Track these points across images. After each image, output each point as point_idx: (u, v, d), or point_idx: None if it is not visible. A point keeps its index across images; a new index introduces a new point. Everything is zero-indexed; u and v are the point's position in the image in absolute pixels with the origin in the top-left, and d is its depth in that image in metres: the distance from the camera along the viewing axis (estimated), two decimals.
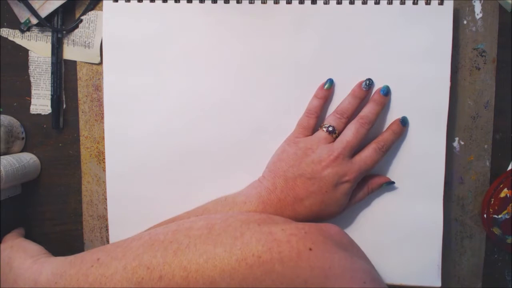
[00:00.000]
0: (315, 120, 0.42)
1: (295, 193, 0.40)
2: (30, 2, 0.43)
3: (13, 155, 0.45)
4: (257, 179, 0.42)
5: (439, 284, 0.44)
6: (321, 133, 0.41)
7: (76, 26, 0.46)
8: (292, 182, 0.40)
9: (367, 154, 0.41)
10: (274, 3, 0.43)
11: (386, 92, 0.42)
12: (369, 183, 0.43)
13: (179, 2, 0.43)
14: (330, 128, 0.41)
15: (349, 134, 0.41)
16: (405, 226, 0.44)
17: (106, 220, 0.47)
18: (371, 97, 0.43)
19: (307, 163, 0.40)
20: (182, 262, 0.31)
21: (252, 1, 0.43)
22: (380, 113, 0.42)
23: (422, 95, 0.43)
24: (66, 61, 0.47)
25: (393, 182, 0.44)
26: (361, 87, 0.42)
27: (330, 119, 0.42)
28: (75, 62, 0.47)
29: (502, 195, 0.44)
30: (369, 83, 0.42)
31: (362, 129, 0.41)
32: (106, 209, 0.47)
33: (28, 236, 0.48)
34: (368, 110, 0.42)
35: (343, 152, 0.40)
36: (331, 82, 0.43)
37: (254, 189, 0.41)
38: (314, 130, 0.43)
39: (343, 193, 0.40)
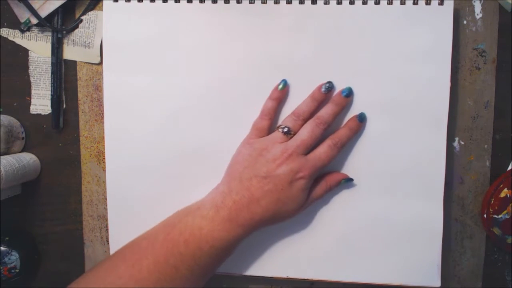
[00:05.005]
0: (269, 122, 0.42)
1: (250, 194, 0.39)
2: (30, 2, 0.43)
3: (13, 155, 0.45)
4: (215, 186, 0.42)
5: (439, 284, 0.44)
6: (277, 134, 0.41)
7: (76, 26, 0.46)
8: (247, 182, 0.40)
9: (322, 150, 0.41)
10: (274, 3, 0.43)
11: (347, 93, 0.42)
12: (326, 179, 0.43)
13: (179, 2, 0.43)
14: (286, 129, 0.41)
15: (304, 133, 0.41)
16: (405, 226, 0.44)
17: (106, 220, 0.47)
18: (331, 97, 0.43)
19: (262, 163, 0.40)
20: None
21: (252, 1, 0.43)
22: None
23: (422, 95, 0.43)
24: (66, 61, 0.47)
25: (352, 179, 0.43)
26: (321, 90, 0.42)
27: (287, 120, 0.42)
28: (75, 62, 0.47)
29: (502, 195, 0.44)
30: (329, 86, 0.42)
31: (317, 129, 0.41)
32: (106, 209, 0.46)
33: (28, 236, 0.48)
34: (325, 111, 0.42)
35: (296, 150, 0.40)
36: (285, 83, 0.43)
37: (210, 195, 0.41)
38: (270, 131, 0.43)
39: (299, 189, 0.40)
